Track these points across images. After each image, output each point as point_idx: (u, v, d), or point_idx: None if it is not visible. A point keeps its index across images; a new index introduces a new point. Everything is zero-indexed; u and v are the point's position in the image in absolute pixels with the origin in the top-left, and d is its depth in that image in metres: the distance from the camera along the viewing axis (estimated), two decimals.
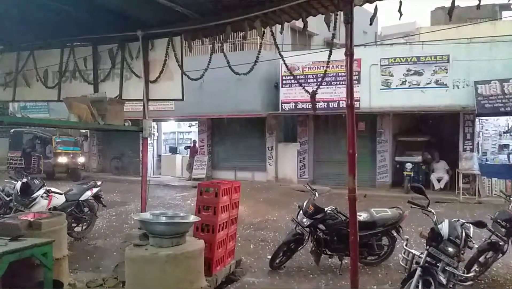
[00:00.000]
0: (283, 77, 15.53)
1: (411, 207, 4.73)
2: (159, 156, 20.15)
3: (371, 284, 5.54)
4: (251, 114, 16.09)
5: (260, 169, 17.08)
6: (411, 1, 5.05)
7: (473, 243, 4.55)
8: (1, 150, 21.76)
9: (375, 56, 14.43)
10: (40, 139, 18.35)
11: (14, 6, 4.36)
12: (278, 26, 4.67)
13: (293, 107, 15.54)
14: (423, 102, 13.66)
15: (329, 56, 4.13)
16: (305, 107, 15.11)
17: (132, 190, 14.03)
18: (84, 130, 19.19)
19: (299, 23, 4.51)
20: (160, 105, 16.16)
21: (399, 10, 3.65)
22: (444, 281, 4.00)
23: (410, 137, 14.80)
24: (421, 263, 4.24)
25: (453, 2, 3.52)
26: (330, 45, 4.21)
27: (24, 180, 7.02)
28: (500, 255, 5.53)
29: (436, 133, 14.91)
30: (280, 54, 4.68)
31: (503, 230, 5.41)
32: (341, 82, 14.42)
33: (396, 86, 14.23)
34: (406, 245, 4.86)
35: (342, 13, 3.85)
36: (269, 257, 6.30)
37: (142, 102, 5.21)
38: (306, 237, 6.11)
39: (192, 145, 18.57)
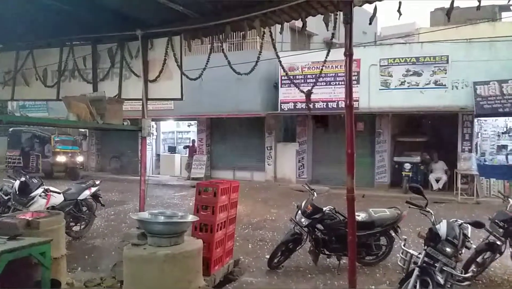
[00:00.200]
0: (282, 77, 15.53)
1: (410, 207, 4.74)
2: (158, 155, 20.14)
3: (369, 284, 5.55)
4: (250, 114, 16.09)
5: (259, 168, 17.08)
6: (411, 1, 5.07)
7: (471, 244, 4.56)
8: (0, 149, 21.73)
9: (374, 57, 14.46)
10: (39, 138, 18.33)
11: (14, 6, 4.36)
12: (278, 26, 4.68)
13: (292, 107, 15.55)
14: (422, 102, 13.69)
15: (327, 55, 4.14)
16: (304, 107, 15.11)
17: (131, 189, 14.02)
18: (83, 130, 19.17)
19: (298, 23, 4.52)
20: (159, 104, 16.16)
21: (399, 10, 3.65)
22: (441, 281, 4.00)
23: (409, 137, 14.83)
24: (419, 263, 4.25)
25: (452, 3, 3.52)
26: (329, 45, 4.21)
27: (23, 179, 7.00)
28: (498, 255, 5.54)
29: (434, 134, 14.94)
30: (277, 55, 4.67)
31: (501, 230, 5.43)
32: (340, 83, 14.43)
33: (395, 86, 14.25)
34: (404, 245, 4.86)
35: (341, 13, 3.85)
36: (267, 256, 6.30)
37: (141, 101, 5.21)
38: (305, 237, 6.12)
39: (191, 144, 18.57)
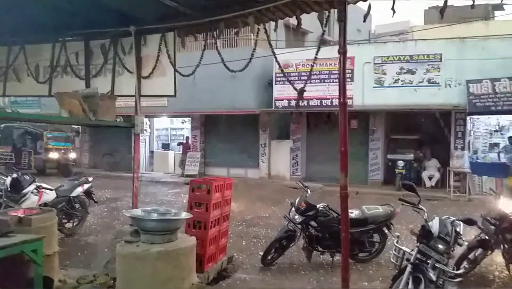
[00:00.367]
0: (277, 75, 15.52)
1: (402, 204, 4.76)
2: (152, 152, 20.06)
3: (362, 280, 5.58)
4: (244, 111, 16.06)
5: (253, 166, 17.08)
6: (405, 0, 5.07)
7: (463, 240, 4.59)
8: None
9: (368, 54, 14.49)
10: (31, 134, 18.15)
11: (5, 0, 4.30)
12: (272, 23, 4.66)
13: (287, 105, 15.55)
14: (416, 100, 13.75)
15: (317, 52, 4.14)
16: (299, 104, 15.12)
17: (124, 186, 13.94)
18: (75, 126, 19.01)
19: (293, 20, 4.51)
20: (153, 101, 16.05)
21: (393, 8, 3.66)
22: (434, 277, 4.03)
23: (402, 135, 14.91)
24: (411, 260, 4.27)
25: (445, 2, 3.53)
26: (320, 41, 4.22)
27: (14, 175, 6.96)
28: (490, 252, 5.59)
29: (428, 132, 15.03)
30: (273, 52, 4.67)
31: (493, 227, 5.48)
32: (334, 80, 14.44)
33: (389, 84, 14.30)
34: (397, 242, 4.89)
35: (336, 10, 3.85)
36: (261, 253, 6.31)
37: (134, 98, 5.17)
38: (298, 234, 6.13)
39: (185, 141, 18.51)
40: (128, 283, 3.69)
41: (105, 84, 5.25)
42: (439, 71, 13.70)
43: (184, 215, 4.12)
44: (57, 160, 17.56)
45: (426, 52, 13.86)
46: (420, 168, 14.45)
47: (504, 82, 12.51)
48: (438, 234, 4.22)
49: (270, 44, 4.52)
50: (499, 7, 20.10)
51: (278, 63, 5.07)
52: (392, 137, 15.18)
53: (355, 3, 3.87)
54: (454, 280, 4.51)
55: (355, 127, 14.83)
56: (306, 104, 14.87)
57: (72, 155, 18.30)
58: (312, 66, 4.33)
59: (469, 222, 4.56)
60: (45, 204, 6.78)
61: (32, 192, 6.80)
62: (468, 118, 13.70)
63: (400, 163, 14.00)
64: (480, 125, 14.84)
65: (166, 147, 20.46)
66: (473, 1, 3.41)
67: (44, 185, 7.13)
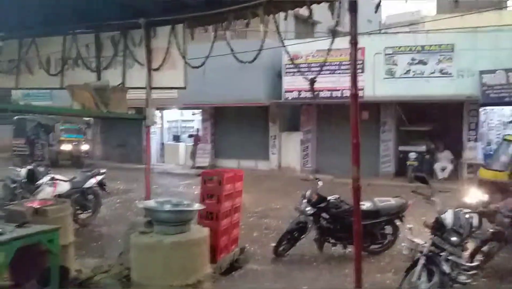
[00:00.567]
0: (286, 66, 15.43)
1: (415, 196, 4.73)
2: (163, 144, 20.16)
3: (374, 272, 5.57)
4: (254, 103, 16.02)
5: (263, 157, 17.09)
6: None
7: (477, 233, 4.55)
8: (6, 137, 21.81)
9: (379, 45, 14.32)
10: (44, 126, 18.35)
11: None
12: (282, 14, 4.62)
13: (297, 96, 15.48)
14: (427, 91, 13.58)
15: (331, 44, 4.08)
16: (308, 96, 15.02)
17: (135, 177, 14.05)
18: (87, 118, 19.18)
19: (302, 11, 4.47)
20: (163, 93, 16.08)
21: None
22: (447, 270, 4.02)
23: (414, 126, 14.75)
24: (424, 252, 4.25)
25: None
26: (333, 32, 4.17)
27: (30, 167, 7.07)
28: (504, 244, 5.53)
29: (440, 123, 14.84)
30: (282, 42, 4.63)
31: (507, 220, 5.41)
32: (344, 71, 14.31)
33: (400, 75, 14.14)
34: (409, 234, 4.86)
35: (346, 1, 3.80)
36: (273, 244, 6.35)
37: (144, 90, 5.19)
38: (309, 226, 6.14)
39: (195, 133, 18.58)
40: (142, 273, 3.74)
41: (116, 76, 5.27)
42: (451, 62, 13.49)
43: (197, 206, 4.15)
44: (70, 151, 17.78)
45: (438, 42, 13.65)
46: (432, 160, 14.30)
47: None
48: (451, 226, 4.19)
49: (280, 35, 4.49)
50: None
51: (288, 54, 5.01)
52: (403, 129, 15.03)
53: None
54: (468, 273, 4.49)
55: (366, 118, 14.71)
56: (316, 96, 14.78)
57: (85, 147, 18.49)
58: (326, 58, 4.27)
59: (483, 214, 4.51)
60: (60, 195, 6.88)
61: (46, 183, 6.90)
62: (481, 109, 13.50)
63: (412, 155, 13.87)
64: (494, 117, 14.59)
65: (177, 138, 20.55)
66: None
67: (58, 176, 7.23)
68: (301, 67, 14.39)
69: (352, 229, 3.97)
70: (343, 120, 14.73)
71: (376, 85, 14.31)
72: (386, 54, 14.25)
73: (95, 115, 6.79)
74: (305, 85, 14.16)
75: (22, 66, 5.87)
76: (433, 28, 14.65)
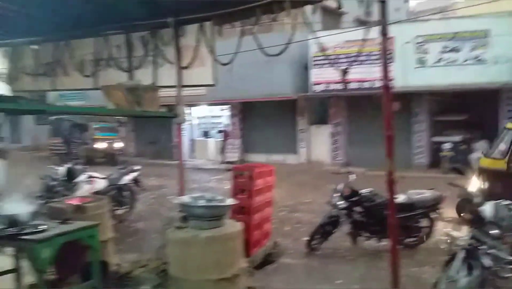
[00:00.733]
0: (314, 58, 15.27)
1: (451, 188, 4.61)
2: (193, 140, 20.47)
3: (410, 266, 5.46)
4: (281, 97, 15.98)
5: (292, 151, 17.05)
6: None
7: None
8: (43, 137, 22.70)
9: (409, 34, 13.94)
10: (79, 126, 18.96)
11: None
12: (309, 6, 4.57)
13: (325, 88, 15.31)
14: (461, 79, 13.13)
15: (365, 35, 4.01)
16: (337, 88, 14.83)
17: (167, 173, 14.34)
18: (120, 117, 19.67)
19: (330, 2, 4.41)
20: (192, 90, 16.28)
21: None
22: (488, 264, 3.89)
23: (448, 116, 14.32)
24: (463, 246, 4.14)
25: None
26: (360, 22, 4.09)
27: (68, 165, 7.33)
28: None
29: (475, 112, 14.33)
30: (314, 34, 4.60)
31: None
32: (374, 62, 14.00)
33: (432, 64, 13.74)
34: (447, 227, 4.75)
35: None
36: (305, 238, 6.34)
37: (173, 88, 5.27)
38: (342, 220, 6.09)
39: (224, 128, 18.74)
40: (179, 267, 3.82)
41: (147, 75, 5.36)
42: (485, 48, 12.97)
43: (230, 201, 4.20)
44: (104, 149, 18.30)
45: (472, 28, 13.14)
46: (468, 150, 13.83)
47: None
48: (491, 218, 4.06)
49: (311, 27, 4.45)
50: None
51: (320, 47, 4.96)
52: (437, 119, 14.61)
53: None
54: (510, 266, 4.34)
55: (397, 109, 14.36)
56: (345, 87, 14.58)
57: (118, 144, 18.98)
58: (361, 48, 4.17)
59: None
60: (97, 192, 7.11)
61: (84, 181, 7.15)
62: None
63: (447, 145, 13.46)
64: None
65: (206, 134, 20.81)
66: None
67: (95, 174, 7.47)
68: (329, 59, 14.26)
69: (386, 223, 3.91)
70: (374, 112, 14.45)
71: (407, 75, 13.94)
72: (416, 43, 13.85)
73: (129, 115, 6.96)
74: (334, 77, 14.11)
75: (57, 68, 6.07)
76: (466, 14, 14.12)
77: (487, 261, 3.89)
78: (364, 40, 3.96)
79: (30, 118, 24.23)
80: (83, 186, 7.06)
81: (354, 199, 6.02)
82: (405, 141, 14.54)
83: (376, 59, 13.96)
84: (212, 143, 19.53)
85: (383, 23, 3.61)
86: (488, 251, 4.00)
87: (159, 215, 8.45)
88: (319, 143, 16.43)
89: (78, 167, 7.49)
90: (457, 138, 13.62)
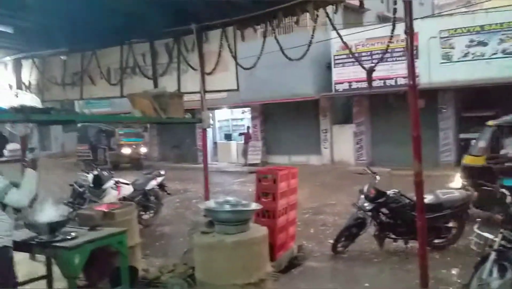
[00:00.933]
0: (335, 57, 15.13)
1: (482, 187, 4.47)
2: (215, 143, 20.63)
3: (439, 268, 5.34)
4: (303, 97, 15.90)
5: (314, 152, 16.93)
6: None
7: None
8: (70, 144, 23.33)
9: (433, 29, 13.64)
10: (105, 132, 19.42)
11: (74, 10, 4.59)
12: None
13: (348, 88, 15.15)
14: (489, 74, 12.74)
15: (392, 32, 3.91)
16: (360, 86, 14.64)
17: (191, 177, 14.52)
18: None
19: (352, 1, 4.36)
20: (213, 94, 16.39)
21: None
22: None
23: (475, 112, 13.88)
24: (495, 247, 4.01)
25: None
26: (382, 19, 4.02)
27: (95, 172, 7.51)
28: None
29: (505, 108, 13.84)
30: (338, 34, 4.55)
31: None
32: (397, 59, 13.79)
33: (458, 59, 13.39)
34: (477, 228, 4.61)
35: None
36: (330, 241, 6.28)
37: (198, 93, 5.32)
38: (368, 222, 6.01)
39: (246, 131, 18.80)
40: (206, 272, 3.86)
41: (172, 82, 5.45)
42: None
43: (255, 205, 4.20)
44: (129, 154, 18.65)
45: (500, 20, 12.73)
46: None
47: None
48: None
49: (334, 27, 4.42)
50: None
51: (344, 42, 4.88)
52: (464, 116, 14.20)
53: None
54: None
55: (422, 106, 14.06)
56: (370, 87, 14.38)
57: (143, 149, 19.32)
58: (388, 45, 4.08)
59: None
60: (124, 198, 7.27)
61: (111, 187, 7.31)
62: None
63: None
64: None
65: (228, 137, 20.93)
66: None
67: (121, 180, 7.64)
68: (352, 57, 14.10)
69: (414, 224, 3.84)
70: (398, 110, 14.25)
71: (432, 71, 13.66)
72: (441, 38, 13.54)
73: (155, 121, 7.05)
74: (356, 75, 13.94)
75: (85, 77, 6.24)
76: (492, 6, 13.69)
77: None
78: (388, 37, 3.88)
79: (58, 126, 24.88)
80: (111, 192, 7.23)
81: (380, 200, 5.93)
82: (431, 139, 14.21)
83: (400, 56, 13.83)
84: (234, 146, 19.63)
85: (408, 22, 3.53)
86: None
87: (185, 219, 8.55)
88: (342, 143, 16.25)
89: (105, 173, 7.66)
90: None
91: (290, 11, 4.53)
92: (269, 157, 18.14)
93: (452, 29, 13.43)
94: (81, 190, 7.64)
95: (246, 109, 19.56)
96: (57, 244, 3.43)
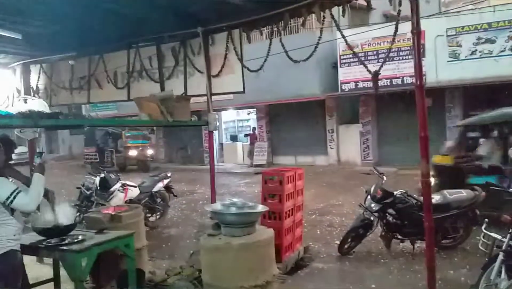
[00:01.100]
0: (342, 57, 15.09)
1: (490, 187, 4.44)
2: (221, 144, 20.68)
3: (447, 268, 5.32)
4: (309, 98, 15.86)
5: (321, 152, 16.90)
6: None
7: None
8: (78, 146, 23.52)
9: (440, 27, 13.55)
10: (112, 134, 19.55)
11: (81, 15, 4.63)
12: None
13: (354, 87, 15.10)
14: (497, 72, 12.61)
15: (394, 32, 3.91)
16: (366, 86, 14.58)
17: (198, 178, 14.58)
18: None
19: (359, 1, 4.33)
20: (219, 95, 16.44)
21: None
22: None
23: (483, 111, 13.77)
24: (503, 247, 3.98)
25: None
26: (389, 18, 4.00)
27: (102, 175, 7.56)
28: None
29: None
30: (342, 35, 4.53)
31: None
32: (403, 58, 13.74)
33: (466, 57, 13.29)
34: (485, 228, 4.57)
35: None
36: (337, 242, 6.27)
37: (204, 96, 5.34)
38: (375, 222, 5.99)
39: (251, 132, 18.82)
40: (212, 275, 3.86)
41: (178, 85, 5.46)
42: None
43: (261, 208, 4.20)
44: (136, 156, 18.74)
45: (508, 17, 12.61)
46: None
47: None
48: None
49: (339, 29, 4.40)
50: None
51: (348, 44, 4.86)
52: (472, 114, 14.07)
53: None
54: None
55: (429, 105, 13.99)
56: (377, 89, 14.30)
57: (149, 151, 19.38)
58: (391, 44, 4.06)
59: None
60: (131, 200, 7.31)
61: (118, 190, 7.36)
62: None
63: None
64: None
65: (234, 138, 20.98)
66: None
67: (128, 183, 7.68)
68: (359, 57, 14.04)
69: (421, 224, 3.81)
70: (405, 109, 14.17)
71: (439, 70, 13.57)
72: (448, 36, 13.44)
73: (162, 125, 7.07)
74: (362, 75, 13.87)
75: (92, 82, 6.28)
76: (500, 3, 13.56)
77: None
78: (394, 36, 3.86)
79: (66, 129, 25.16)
80: (117, 195, 7.27)
81: (387, 201, 5.91)
82: (439, 137, 14.08)
83: (406, 55, 13.73)
84: (240, 147, 19.66)
85: (415, 22, 3.50)
86: None
87: (191, 221, 8.59)
88: (349, 143, 16.20)
89: (112, 175, 7.71)
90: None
91: (296, 13, 4.53)
92: (275, 158, 18.14)
93: (459, 27, 13.33)
94: (88, 192, 7.70)
95: (252, 110, 19.58)
96: (65, 247, 3.46)
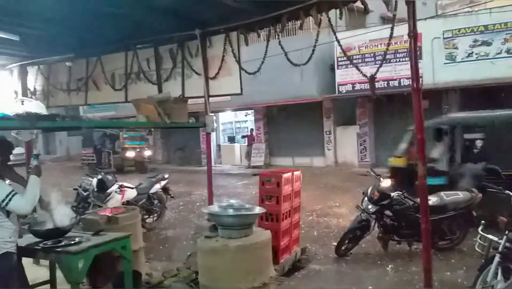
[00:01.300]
0: (339, 59, 15.14)
1: (487, 189, 4.46)
2: (219, 145, 20.70)
3: (444, 270, 5.33)
4: (306, 99, 15.90)
5: (318, 154, 16.93)
6: None
7: None
8: (75, 148, 23.46)
9: (437, 29, 13.62)
10: (109, 136, 19.51)
11: (78, 16, 4.63)
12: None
13: (351, 89, 15.15)
14: (494, 74, 12.69)
15: (391, 36, 3.92)
16: (363, 88, 14.62)
17: (195, 179, 14.56)
18: None
19: (356, 3, 4.35)
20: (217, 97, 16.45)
21: None
22: None
23: (480, 112, 13.83)
24: (499, 249, 4.00)
25: None
26: (386, 20, 4.01)
27: (99, 176, 7.54)
28: None
29: (509, 107, 13.78)
30: (337, 40, 4.55)
31: None
32: (400, 60, 13.79)
33: (462, 59, 13.36)
34: (481, 230, 4.59)
35: None
36: (334, 244, 6.28)
37: (202, 98, 5.35)
38: (372, 224, 6.01)
39: (249, 133, 18.83)
40: (209, 277, 3.86)
41: (176, 87, 5.47)
42: None
43: (258, 209, 4.20)
44: (134, 158, 18.70)
45: (503, 20, 12.68)
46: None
47: None
48: None
49: (334, 33, 4.41)
50: None
51: (342, 49, 4.89)
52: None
53: None
54: None
55: (426, 107, 14.03)
56: (373, 93, 14.36)
57: (147, 153, 19.36)
58: (387, 47, 4.07)
59: None
60: (128, 202, 7.29)
61: (115, 191, 7.33)
62: None
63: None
64: None
65: (231, 140, 20.99)
66: None
67: (125, 184, 7.65)
68: (355, 59, 14.11)
69: (418, 226, 3.83)
70: (402, 111, 14.22)
71: (435, 72, 13.64)
72: (445, 38, 13.51)
73: (160, 126, 7.07)
74: (360, 77, 13.85)
75: (90, 83, 6.28)
76: (496, 5, 13.64)
77: None
78: (389, 40, 3.88)
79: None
80: (115, 196, 7.25)
81: (384, 202, 5.92)
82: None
83: (403, 57, 13.77)
84: (238, 148, 19.67)
85: (411, 25, 3.51)
86: None
87: (188, 222, 8.58)
88: (346, 145, 16.24)
89: (109, 177, 7.69)
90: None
91: (293, 15, 4.54)
92: (272, 159, 18.16)
93: (456, 29, 13.40)
94: (85, 194, 7.67)
95: (249, 111, 19.60)
96: (61, 249, 3.46)
